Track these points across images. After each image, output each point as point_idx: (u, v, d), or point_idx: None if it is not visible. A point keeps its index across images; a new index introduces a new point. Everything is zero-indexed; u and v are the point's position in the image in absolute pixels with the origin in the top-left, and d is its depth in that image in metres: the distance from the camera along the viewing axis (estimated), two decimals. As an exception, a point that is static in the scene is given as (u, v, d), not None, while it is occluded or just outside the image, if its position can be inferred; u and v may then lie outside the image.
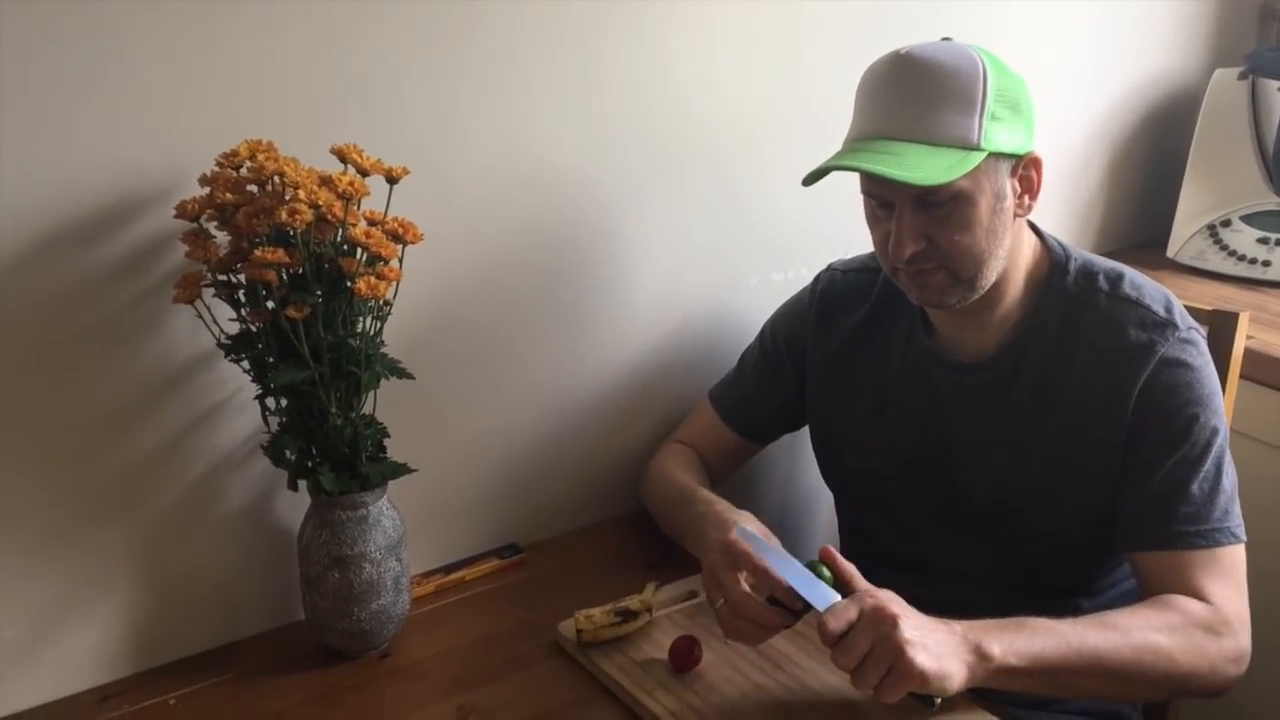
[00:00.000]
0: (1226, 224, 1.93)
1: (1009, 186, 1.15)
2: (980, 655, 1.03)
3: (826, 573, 1.09)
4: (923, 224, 1.14)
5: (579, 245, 1.42)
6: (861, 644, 1.01)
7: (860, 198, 1.20)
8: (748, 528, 1.14)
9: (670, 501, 1.38)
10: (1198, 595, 1.11)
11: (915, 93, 1.11)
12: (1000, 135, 1.12)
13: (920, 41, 1.15)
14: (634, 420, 1.54)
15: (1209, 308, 1.37)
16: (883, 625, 1.00)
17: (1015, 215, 1.17)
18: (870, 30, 1.55)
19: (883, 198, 1.16)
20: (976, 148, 1.10)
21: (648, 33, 1.39)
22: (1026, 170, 1.17)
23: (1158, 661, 1.07)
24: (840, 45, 1.54)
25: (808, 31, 1.53)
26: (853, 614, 1.02)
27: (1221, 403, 1.19)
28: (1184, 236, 1.97)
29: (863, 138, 1.14)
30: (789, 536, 1.18)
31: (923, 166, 1.08)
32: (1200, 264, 1.94)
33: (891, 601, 1.03)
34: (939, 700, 1.04)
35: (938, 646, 1.01)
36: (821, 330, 1.39)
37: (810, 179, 1.14)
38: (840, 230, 1.42)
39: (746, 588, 1.10)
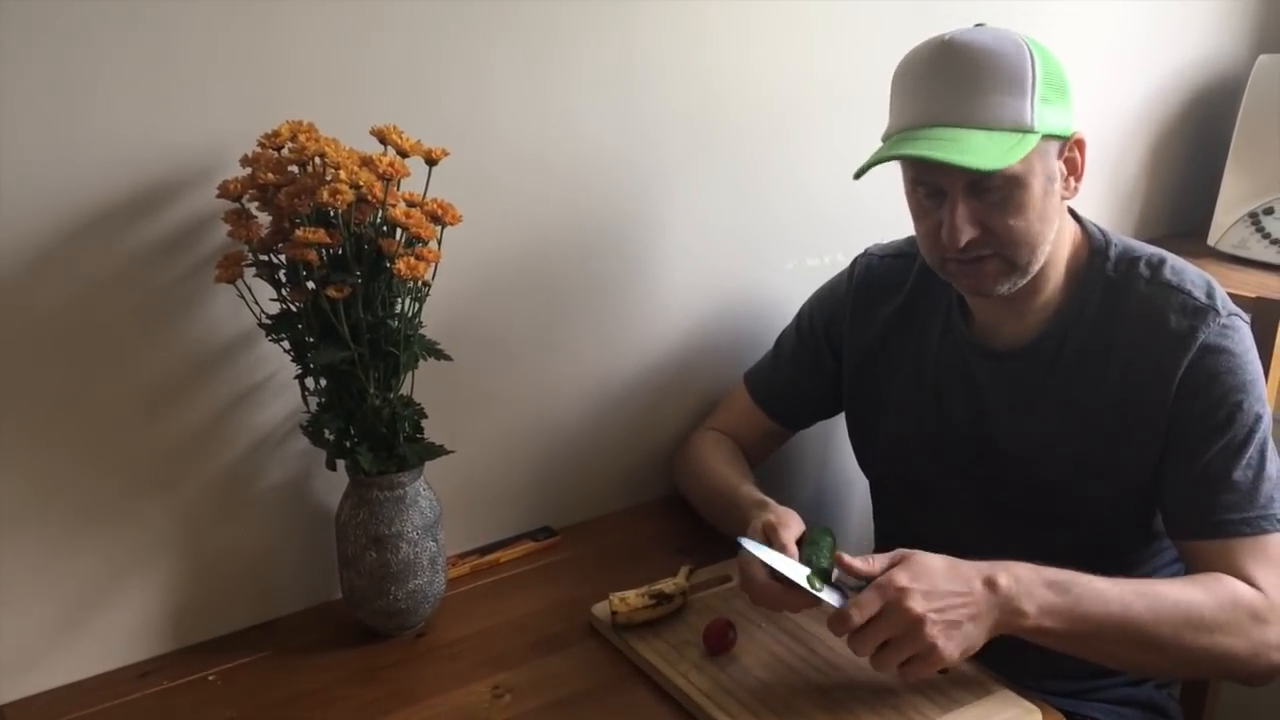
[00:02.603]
0: (1269, 212, 1.91)
1: (1057, 169, 1.15)
2: (1015, 613, 1.04)
3: (826, 557, 1.11)
4: (976, 210, 1.13)
5: (615, 228, 1.42)
6: (880, 636, 1.02)
7: (896, 182, 1.19)
8: (745, 543, 1.12)
9: (713, 497, 1.38)
10: (1245, 582, 1.10)
11: (965, 77, 1.10)
12: (1051, 116, 1.11)
13: (959, 28, 1.14)
14: (669, 405, 1.54)
15: (1252, 295, 1.36)
16: (904, 624, 1.01)
17: (1062, 198, 1.17)
18: (907, 13, 1.54)
19: (934, 185, 1.14)
20: (1031, 130, 1.09)
21: (684, 16, 1.39)
22: (1071, 152, 1.16)
23: (1197, 631, 1.07)
24: (877, 27, 1.53)
25: (844, 13, 1.52)
26: (874, 609, 1.03)
27: (1264, 389, 1.17)
28: (1225, 224, 1.94)
29: (913, 126, 1.12)
30: (824, 524, 1.18)
31: (982, 151, 1.07)
32: (1242, 252, 1.92)
33: (912, 584, 1.02)
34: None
35: (965, 625, 1.02)
36: (858, 316, 1.38)
37: (862, 171, 1.11)
38: (876, 216, 1.41)
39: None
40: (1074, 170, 1.17)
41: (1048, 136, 1.11)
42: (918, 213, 1.19)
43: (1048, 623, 1.04)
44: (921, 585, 1.03)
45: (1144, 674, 1.29)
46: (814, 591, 1.08)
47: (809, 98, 1.52)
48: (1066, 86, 1.14)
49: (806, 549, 1.12)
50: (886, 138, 1.15)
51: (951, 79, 1.10)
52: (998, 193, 1.12)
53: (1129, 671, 1.27)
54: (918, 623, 1.01)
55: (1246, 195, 1.94)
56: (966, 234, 1.13)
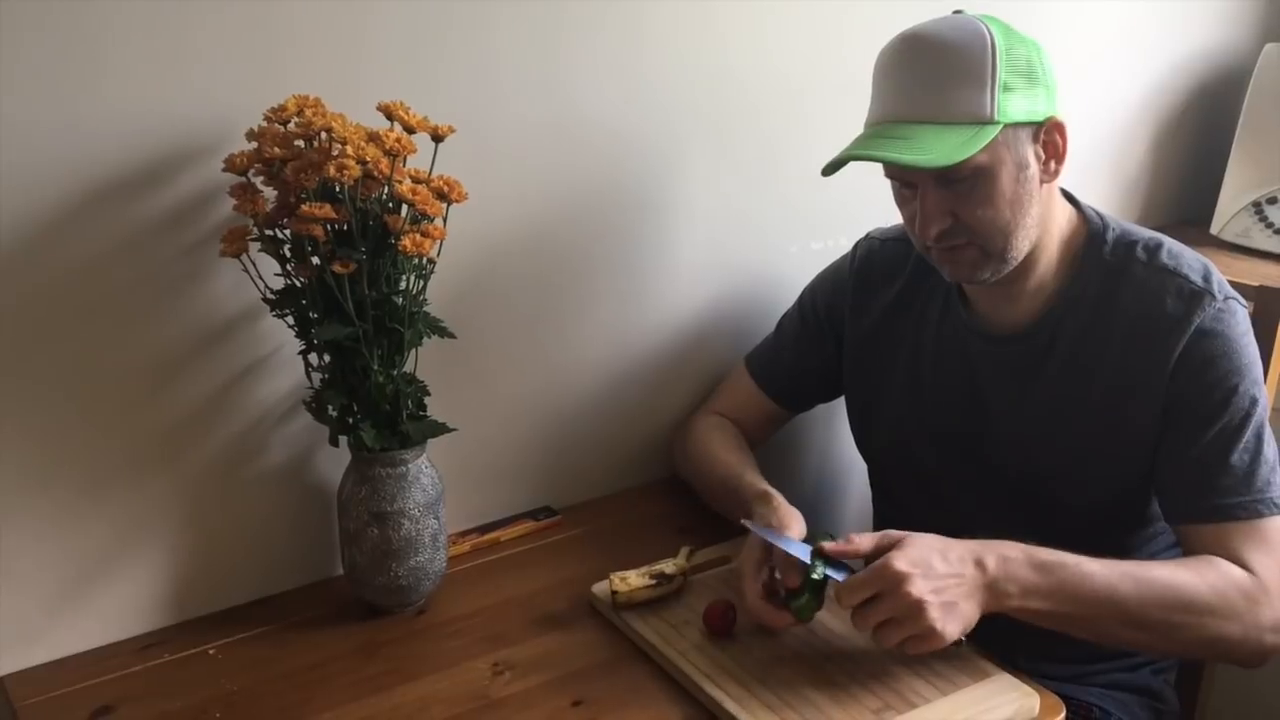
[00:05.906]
0: (1273, 201, 1.90)
1: (1031, 154, 1.14)
2: (999, 594, 1.07)
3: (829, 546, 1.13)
4: (946, 201, 1.14)
5: (620, 209, 1.42)
6: (880, 616, 1.05)
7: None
8: (750, 525, 1.18)
9: (715, 485, 1.38)
10: (1239, 565, 1.11)
11: (924, 73, 1.11)
12: (1015, 105, 1.11)
13: (928, 19, 1.14)
14: (671, 386, 1.54)
15: (1255, 284, 1.36)
16: (905, 607, 1.03)
17: (1041, 182, 1.16)
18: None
19: (905, 179, 1.16)
20: (990, 121, 1.09)
21: (693, -6, 1.38)
22: (1049, 135, 1.15)
23: (1187, 613, 1.08)
24: (886, 8, 1.52)
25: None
26: (864, 594, 1.05)
27: (1260, 372, 1.17)
28: (1229, 213, 1.94)
29: (878, 123, 1.14)
30: (824, 508, 1.19)
31: (934, 147, 1.08)
32: (1244, 241, 1.91)
33: (911, 568, 1.04)
34: (965, 640, 1.08)
35: (961, 604, 1.05)
36: (860, 300, 1.39)
37: (828, 170, 1.14)
38: (880, 200, 1.40)
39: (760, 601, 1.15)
40: (1054, 154, 1.16)
41: (1016, 124, 1.11)
42: (899, 202, 1.21)
43: (1032, 603, 1.07)
44: (919, 569, 1.04)
45: (1145, 652, 1.30)
46: (815, 577, 1.10)
47: (818, 80, 1.52)
48: (1038, 70, 1.13)
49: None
50: None
51: (911, 74, 1.12)
52: (965, 183, 1.12)
53: (1123, 649, 1.28)
54: (918, 606, 1.03)
55: (1250, 184, 1.93)
56: (936, 225, 1.14)
